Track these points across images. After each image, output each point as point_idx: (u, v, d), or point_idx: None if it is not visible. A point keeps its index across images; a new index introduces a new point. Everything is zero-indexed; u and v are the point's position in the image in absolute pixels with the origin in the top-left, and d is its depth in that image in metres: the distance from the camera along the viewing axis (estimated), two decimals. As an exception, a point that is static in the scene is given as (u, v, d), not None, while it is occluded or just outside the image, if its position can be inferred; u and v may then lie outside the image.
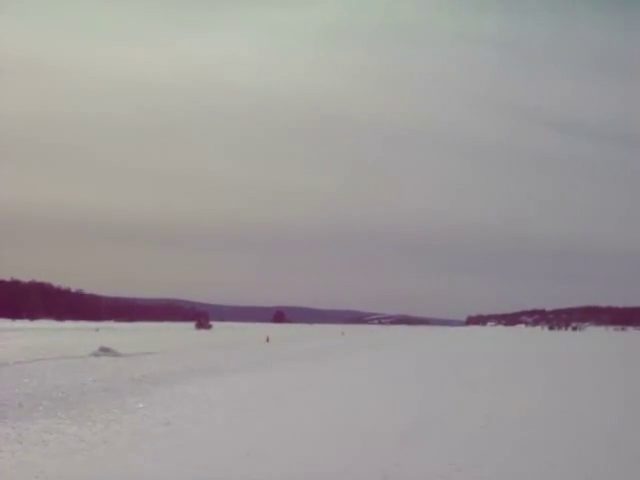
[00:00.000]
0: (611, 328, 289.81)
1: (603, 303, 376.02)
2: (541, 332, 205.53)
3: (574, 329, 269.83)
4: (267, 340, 67.28)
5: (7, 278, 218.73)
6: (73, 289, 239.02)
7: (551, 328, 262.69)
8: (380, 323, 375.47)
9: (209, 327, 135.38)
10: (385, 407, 17.79)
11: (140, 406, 16.98)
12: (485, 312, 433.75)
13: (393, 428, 14.31)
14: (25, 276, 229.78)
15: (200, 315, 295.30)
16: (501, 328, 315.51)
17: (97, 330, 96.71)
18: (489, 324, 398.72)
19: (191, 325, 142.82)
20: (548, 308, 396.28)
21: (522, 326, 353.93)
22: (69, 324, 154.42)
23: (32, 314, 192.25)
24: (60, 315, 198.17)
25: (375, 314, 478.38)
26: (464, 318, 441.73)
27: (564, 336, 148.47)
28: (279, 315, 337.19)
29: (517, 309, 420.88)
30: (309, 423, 14.77)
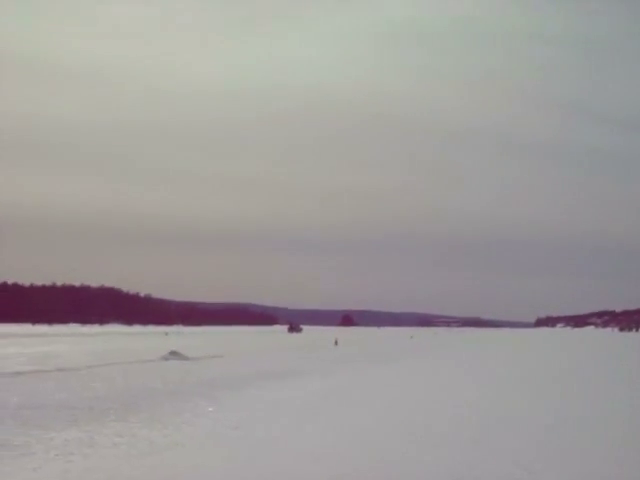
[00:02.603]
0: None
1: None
2: (611, 334, 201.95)
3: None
4: (335, 343, 67.29)
5: (77, 283, 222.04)
6: (142, 294, 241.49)
7: (621, 329, 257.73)
8: (448, 326, 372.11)
9: (300, 330, 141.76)
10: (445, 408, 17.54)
11: (210, 410, 17.00)
12: (554, 314, 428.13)
13: (464, 430, 14.07)
14: (94, 282, 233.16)
15: (269, 318, 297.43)
16: (569, 330, 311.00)
17: (166, 334, 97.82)
18: (558, 326, 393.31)
19: (274, 328, 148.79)
20: (618, 309, 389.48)
21: (591, 328, 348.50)
22: (138, 328, 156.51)
23: (101, 319, 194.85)
24: (129, 320, 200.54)
25: (443, 317, 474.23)
26: (533, 320, 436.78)
27: (635, 338, 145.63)
28: (347, 318, 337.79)
29: (586, 310, 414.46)
30: (380, 427, 14.60)
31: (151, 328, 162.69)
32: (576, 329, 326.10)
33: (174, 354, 37.57)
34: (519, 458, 11.25)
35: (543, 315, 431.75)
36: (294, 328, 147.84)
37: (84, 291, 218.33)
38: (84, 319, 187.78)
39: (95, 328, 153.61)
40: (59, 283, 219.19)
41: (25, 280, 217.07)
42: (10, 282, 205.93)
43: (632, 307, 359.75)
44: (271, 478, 9.79)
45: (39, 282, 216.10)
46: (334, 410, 17.22)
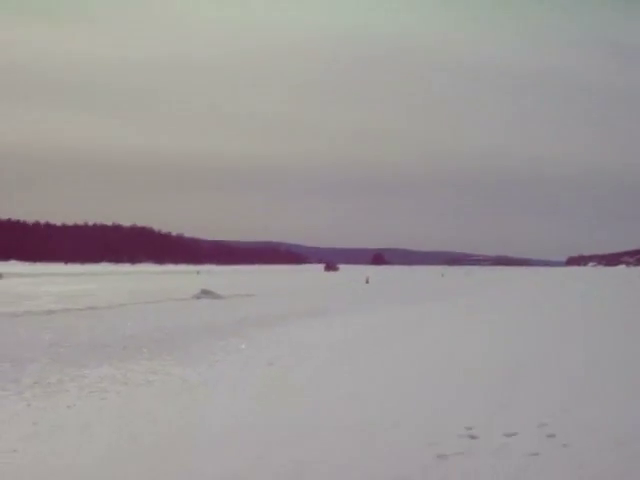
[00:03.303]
0: None
1: None
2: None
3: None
4: (367, 282, 67.21)
5: (109, 223, 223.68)
6: (174, 233, 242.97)
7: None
8: (479, 264, 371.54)
9: (337, 269, 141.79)
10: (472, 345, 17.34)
11: (242, 347, 16.93)
12: (586, 252, 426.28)
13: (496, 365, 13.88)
14: (126, 221, 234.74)
15: (300, 257, 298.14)
16: (601, 268, 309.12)
17: (198, 273, 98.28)
18: (590, 264, 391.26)
19: (308, 267, 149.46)
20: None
21: (623, 266, 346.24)
22: (170, 267, 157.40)
23: (133, 258, 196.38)
24: (161, 259, 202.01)
25: (474, 255, 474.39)
26: (564, 258, 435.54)
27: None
28: (378, 257, 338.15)
29: (619, 249, 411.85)
30: (410, 364, 14.44)
31: (183, 267, 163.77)
32: (608, 268, 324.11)
33: (206, 292, 37.60)
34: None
35: (575, 254, 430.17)
36: (331, 267, 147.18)
37: (116, 230, 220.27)
38: (116, 258, 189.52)
39: (127, 267, 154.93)
40: (91, 222, 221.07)
41: (57, 220, 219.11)
42: (42, 222, 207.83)
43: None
44: (306, 416, 9.65)
45: (71, 222, 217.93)
46: (370, 349, 17.04)
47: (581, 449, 7.87)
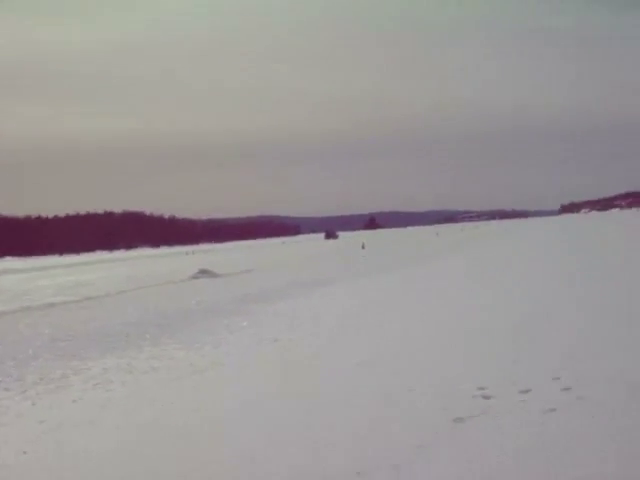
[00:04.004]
0: None
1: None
2: (636, 214, 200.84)
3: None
4: (362, 247, 67.21)
5: (100, 210, 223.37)
6: (166, 215, 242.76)
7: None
8: (475, 220, 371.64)
9: (336, 237, 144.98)
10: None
11: (245, 324, 16.77)
12: (579, 199, 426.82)
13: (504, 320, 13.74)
14: (117, 207, 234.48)
15: (291, 229, 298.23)
16: (594, 214, 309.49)
17: (193, 253, 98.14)
18: (582, 211, 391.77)
19: (311, 237, 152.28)
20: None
21: (616, 210, 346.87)
22: (165, 250, 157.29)
23: (128, 243, 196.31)
24: (156, 242, 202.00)
25: (468, 212, 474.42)
26: (557, 207, 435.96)
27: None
28: (371, 221, 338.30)
29: (611, 193, 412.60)
30: (417, 331, 14.28)
31: (178, 248, 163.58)
32: (601, 212, 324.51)
33: (204, 272, 37.49)
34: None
35: (567, 202, 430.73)
36: (331, 235, 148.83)
37: (108, 218, 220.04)
38: (111, 245, 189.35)
39: (122, 253, 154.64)
40: (83, 212, 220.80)
41: (49, 212, 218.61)
42: (34, 215, 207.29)
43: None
44: (319, 389, 9.50)
45: (62, 213, 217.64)
46: (374, 316, 16.89)
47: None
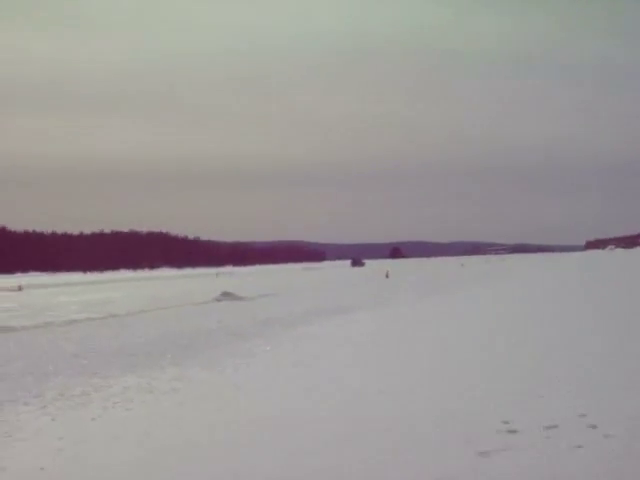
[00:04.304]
0: None
1: None
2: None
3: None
4: (387, 276, 67.03)
5: (125, 229, 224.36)
6: (190, 236, 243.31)
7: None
8: (497, 253, 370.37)
9: (363, 264, 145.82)
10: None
11: (267, 348, 16.70)
12: (604, 236, 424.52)
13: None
14: (143, 227, 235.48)
15: (316, 255, 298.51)
16: (620, 251, 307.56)
17: (217, 275, 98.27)
18: (608, 247, 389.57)
19: (337, 264, 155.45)
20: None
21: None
22: (188, 271, 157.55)
23: (152, 263, 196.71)
24: (179, 263, 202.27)
25: (492, 244, 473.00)
26: (582, 243, 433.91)
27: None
28: (396, 250, 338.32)
29: (637, 231, 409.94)
30: (438, 360, 14.17)
31: (201, 270, 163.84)
32: (628, 249, 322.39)
33: (227, 295, 37.45)
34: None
35: (593, 238, 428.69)
36: (357, 262, 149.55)
37: (133, 237, 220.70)
38: (134, 265, 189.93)
39: (146, 273, 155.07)
40: (108, 230, 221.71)
41: (74, 229, 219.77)
42: (60, 232, 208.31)
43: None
44: (339, 416, 9.40)
45: (88, 230, 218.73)
46: (395, 345, 16.79)
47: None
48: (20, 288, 64.59)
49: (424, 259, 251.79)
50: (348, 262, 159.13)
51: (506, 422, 8.52)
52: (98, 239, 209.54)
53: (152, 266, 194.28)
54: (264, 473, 7.10)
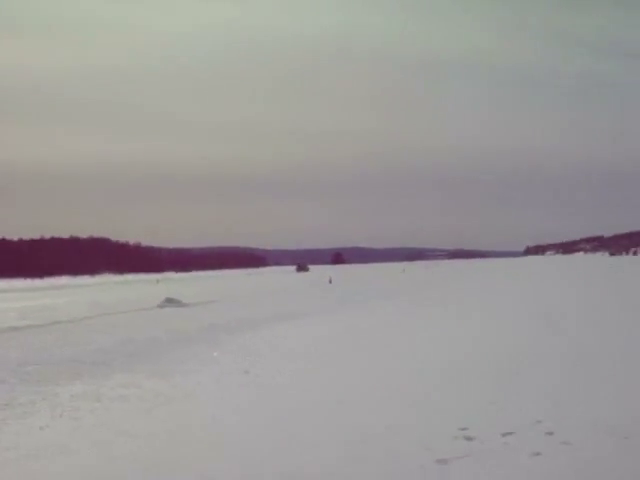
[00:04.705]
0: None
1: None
2: (602, 259, 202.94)
3: (635, 254, 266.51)
4: (330, 282, 67.17)
5: (66, 235, 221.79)
6: (131, 242, 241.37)
7: (612, 254, 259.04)
8: (437, 258, 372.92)
9: (307, 270, 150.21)
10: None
11: (215, 355, 16.59)
12: (543, 242, 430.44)
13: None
14: (83, 233, 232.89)
15: (258, 260, 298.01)
16: (560, 257, 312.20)
17: (157, 282, 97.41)
18: (547, 253, 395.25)
19: (280, 269, 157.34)
20: (607, 234, 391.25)
21: (581, 254, 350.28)
22: (130, 277, 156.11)
23: (93, 270, 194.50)
24: (120, 269, 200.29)
25: (432, 250, 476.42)
26: (522, 249, 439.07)
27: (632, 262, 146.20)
28: (337, 256, 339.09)
29: (575, 237, 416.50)
30: (392, 368, 14.21)
31: (143, 276, 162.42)
32: (566, 255, 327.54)
33: (170, 301, 37.12)
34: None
35: (532, 244, 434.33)
36: (302, 268, 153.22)
37: (73, 242, 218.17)
38: (75, 271, 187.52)
39: (87, 279, 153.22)
40: (47, 236, 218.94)
41: (13, 235, 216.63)
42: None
43: (621, 232, 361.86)
44: (291, 425, 9.35)
45: (27, 236, 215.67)
46: (344, 350, 16.83)
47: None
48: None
49: (365, 265, 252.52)
50: (290, 267, 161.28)
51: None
52: (38, 245, 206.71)
53: (93, 272, 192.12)
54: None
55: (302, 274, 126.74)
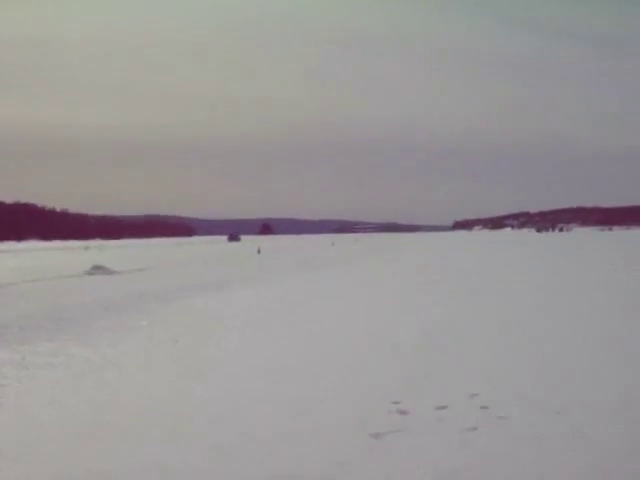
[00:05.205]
0: (597, 228, 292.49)
1: (589, 204, 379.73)
2: (529, 234, 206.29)
3: (560, 230, 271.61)
4: (258, 252, 67.27)
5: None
6: (58, 209, 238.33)
7: (539, 230, 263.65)
8: (367, 232, 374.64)
9: (239, 240, 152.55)
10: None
11: (144, 324, 16.45)
12: (472, 217, 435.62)
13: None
14: (8, 197, 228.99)
15: (186, 230, 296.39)
16: (486, 232, 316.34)
17: (86, 249, 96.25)
18: (475, 228, 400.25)
19: (213, 239, 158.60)
20: (533, 210, 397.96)
21: (508, 229, 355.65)
22: (57, 244, 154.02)
23: (19, 235, 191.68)
24: (47, 235, 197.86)
25: (362, 223, 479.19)
26: (450, 223, 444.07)
27: (557, 237, 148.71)
28: (266, 227, 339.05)
29: (503, 212, 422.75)
30: (320, 334, 14.27)
31: (70, 243, 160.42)
32: (494, 231, 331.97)
33: (98, 268, 36.70)
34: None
35: (461, 219, 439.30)
36: (234, 237, 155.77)
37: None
38: (0, 236, 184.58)
39: (13, 245, 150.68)
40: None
41: None
42: None
43: (546, 208, 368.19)
44: (221, 395, 9.34)
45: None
46: (275, 318, 16.86)
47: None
48: None
49: (294, 236, 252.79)
50: (221, 237, 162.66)
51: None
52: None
53: (19, 238, 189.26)
54: (147, 455, 6.99)
55: (233, 244, 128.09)
